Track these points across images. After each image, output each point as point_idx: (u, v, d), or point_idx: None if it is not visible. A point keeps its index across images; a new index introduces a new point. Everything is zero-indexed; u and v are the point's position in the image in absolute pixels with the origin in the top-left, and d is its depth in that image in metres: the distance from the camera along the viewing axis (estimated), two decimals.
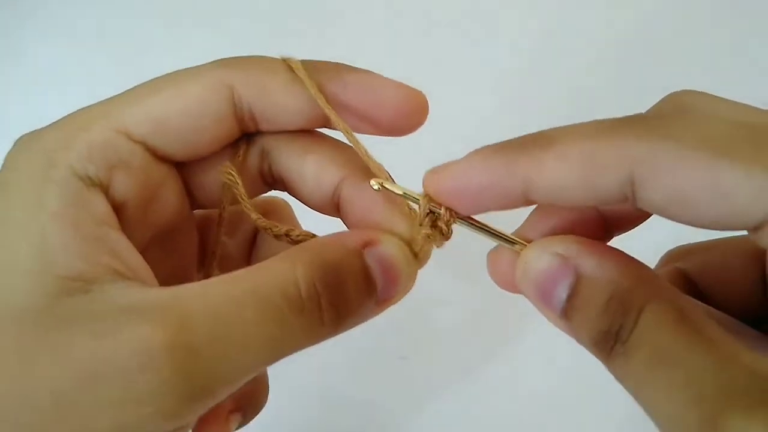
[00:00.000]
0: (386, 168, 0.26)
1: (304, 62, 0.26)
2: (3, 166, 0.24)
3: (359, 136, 0.26)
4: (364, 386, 0.51)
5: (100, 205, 0.24)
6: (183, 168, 0.28)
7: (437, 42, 0.61)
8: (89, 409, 0.20)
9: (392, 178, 0.26)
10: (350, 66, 0.26)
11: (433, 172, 0.24)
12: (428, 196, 0.25)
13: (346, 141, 0.27)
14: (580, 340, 0.23)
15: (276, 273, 0.23)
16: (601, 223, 0.26)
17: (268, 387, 0.33)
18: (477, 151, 0.24)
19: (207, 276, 0.29)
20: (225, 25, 0.64)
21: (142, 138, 0.25)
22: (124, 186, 0.24)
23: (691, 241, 0.30)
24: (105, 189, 0.24)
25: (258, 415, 0.50)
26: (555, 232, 0.25)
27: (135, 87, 0.26)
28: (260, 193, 0.30)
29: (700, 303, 0.27)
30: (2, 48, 0.64)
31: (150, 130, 0.25)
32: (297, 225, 0.32)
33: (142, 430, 0.21)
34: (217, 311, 0.21)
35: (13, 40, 0.64)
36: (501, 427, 0.49)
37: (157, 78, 0.26)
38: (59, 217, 0.22)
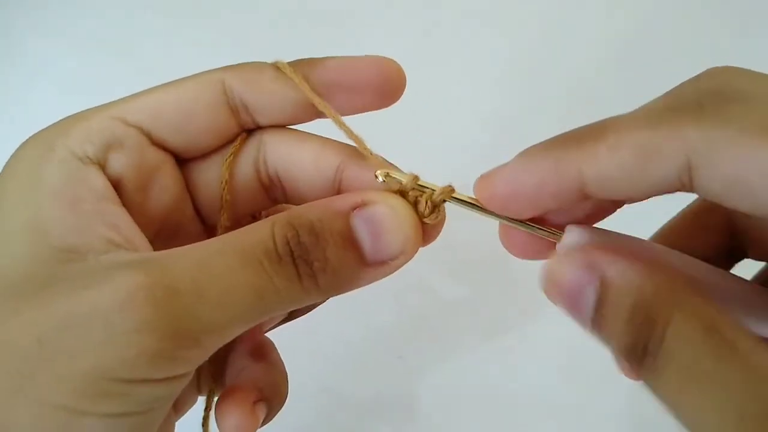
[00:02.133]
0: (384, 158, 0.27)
1: (290, 62, 0.27)
2: (9, 158, 0.25)
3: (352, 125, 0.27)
4: (362, 385, 0.51)
5: (98, 181, 0.25)
6: (186, 167, 0.29)
7: (438, 39, 0.61)
8: (72, 352, 0.20)
9: (388, 162, 0.27)
10: (329, 56, 0.28)
11: (484, 179, 0.24)
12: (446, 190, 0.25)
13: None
14: (610, 349, 0.22)
15: (254, 231, 0.23)
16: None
17: (287, 379, 0.33)
18: (526, 152, 0.23)
19: None
20: (225, 25, 0.64)
21: (137, 123, 0.26)
22: (118, 163, 0.26)
23: None
24: (102, 167, 0.25)
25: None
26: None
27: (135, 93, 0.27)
28: (259, 198, 0.30)
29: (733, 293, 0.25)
30: (2, 48, 0.64)
31: (146, 116, 0.26)
32: None
33: (128, 375, 0.21)
34: (199, 258, 0.22)
35: (13, 39, 0.64)
36: (499, 426, 0.49)
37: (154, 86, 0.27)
38: (56, 193, 0.23)
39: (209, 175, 0.29)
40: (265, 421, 0.30)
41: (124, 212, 0.25)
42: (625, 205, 0.26)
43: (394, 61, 0.27)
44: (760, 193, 0.19)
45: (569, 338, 0.51)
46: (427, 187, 0.26)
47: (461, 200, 0.26)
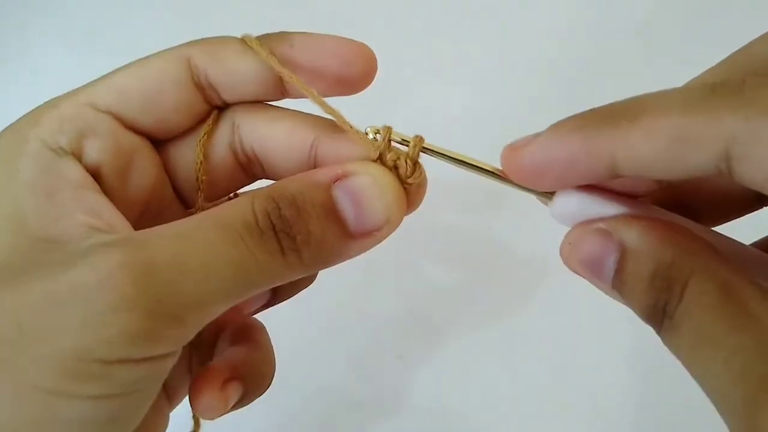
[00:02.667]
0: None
1: (257, 36, 0.27)
2: None
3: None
4: (361, 385, 0.50)
5: (74, 171, 0.24)
6: (162, 149, 0.28)
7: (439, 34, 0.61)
8: (52, 333, 0.20)
9: (353, 126, 0.26)
10: (298, 32, 0.27)
11: (513, 149, 0.24)
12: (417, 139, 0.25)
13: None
14: (633, 310, 0.23)
15: (234, 205, 0.23)
16: None
17: (273, 361, 0.32)
18: (558, 126, 0.23)
19: None
20: (228, 26, 0.63)
21: (107, 107, 0.26)
22: (95, 151, 0.25)
23: None
24: (78, 156, 0.25)
25: (256, 415, 0.50)
26: None
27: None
28: (237, 177, 0.30)
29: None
30: (2, 48, 0.64)
31: (114, 100, 0.26)
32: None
33: (108, 355, 0.20)
34: (178, 233, 0.22)
35: (13, 40, 0.64)
36: (500, 426, 0.48)
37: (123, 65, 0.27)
38: (32, 186, 0.23)
39: (186, 157, 0.28)
40: (241, 403, 0.30)
41: (104, 199, 0.25)
42: None
43: (365, 46, 0.27)
44: None
45: (570, 339, 0.51)
46: (402, 140, 0.26)
47: (437, 152, 0.26)
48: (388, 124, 0.26)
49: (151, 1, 0.66)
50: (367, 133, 0.26)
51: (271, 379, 0.32)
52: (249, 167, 0.29)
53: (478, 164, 0.26)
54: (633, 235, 0.22)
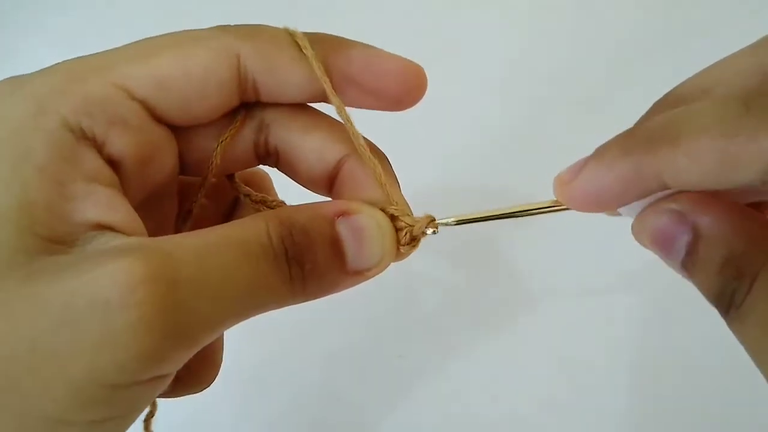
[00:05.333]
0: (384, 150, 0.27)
1: (308, 35, 0.26)
2: None
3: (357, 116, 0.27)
4: (361, 385, 0.50)
5: (91, 161, 0.22)
6: (177, 133, 0.27)
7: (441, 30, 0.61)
8: (65, 354, 0.19)
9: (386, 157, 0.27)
10: (351, 40, 0.26)
11: (563, 182, 0.24)
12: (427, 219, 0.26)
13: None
14: (700, 291, 0.23)
15: (250, 226, 0.23)
16: None
17: (218, 358, 0.31)
18: (602, 153, 0.23)
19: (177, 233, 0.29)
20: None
21: (142, 97, 0.24)
22: (121, 144, 0.23)
23: None
24: (99, 145, 0.23)
25: (256, 415, 0.50)
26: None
27: (135, 43, 0.24)
28: (249, 165, 0.29)
29: None
30: (2, 48, 0.64)
31: (152, 90, 0.24)
32: (275, 195, 0.32)
33: (120, 379, 0.20)
34: (199, 251, 0.21)
35: (13, 40, 0.64)
36: (500, 426, 0.48)
37: (158, 37, 0.25)
38: (44, 172, 0.21)
39: (202, 145, 0.27)
40: (174, 393, 0.28)
41: (120, 196, 0.23)
42: None
43: (420, 66, 0.26)
44: None
45: (571, 340, 0.51)
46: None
47: (446, 224, 0.27)
48: (431, 215, 0.27)
49: (153, 1, 0.66)
50: (425, 233, 0.27)
51: (214, 375, 0.30)
52: (265, 158, 0.29)
53: (519, 209, 0.26)
54: (707, 220, 0.22)
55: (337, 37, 0.26)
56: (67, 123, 0.22)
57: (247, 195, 0.29)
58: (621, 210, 0.25)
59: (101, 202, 0.22)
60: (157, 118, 0.25)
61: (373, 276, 0.26)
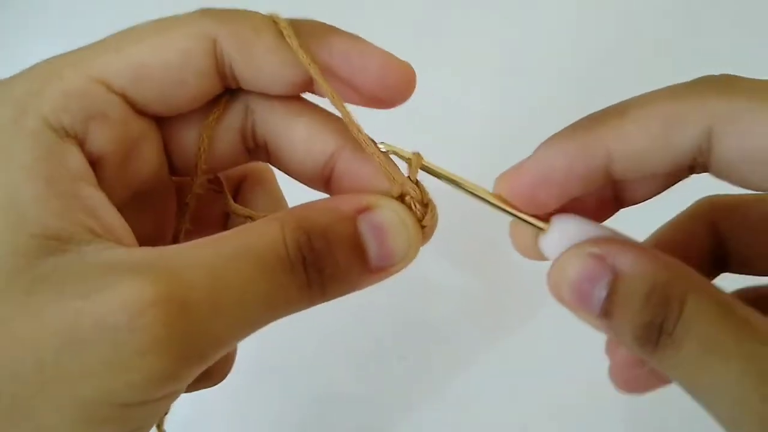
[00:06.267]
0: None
1: (293, 22, 0.24)
2: None
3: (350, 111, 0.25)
4: (363, 386, 0.50)
5: (75, 160, 0.22)
6: (161, 125, 0.26)
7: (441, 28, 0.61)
8: (74, 374, 0.18)
9: (390, 160, 0.25)
10: (337, 29, 0.25)
11: (506, 174, 0.24)
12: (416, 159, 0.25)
13: (333, 110, 0.25)
14: (621, 338, 0.23)
15: (265, 233, 0.22)
16: (609, 199, 0.26)
17: (233, 353, 0.30)
18: (549, 140, 0.24)
19: (176, 234, 0.28)
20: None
21: (121, 89, 0.23)
22: (101, 139, 0.23)
23: None
24: (81, 142, 0.22)
25: (256, 415, 0.50)
26: (565, 208, 0.25)
27: (114, 34, 0.24)
28: (240, 161, 0.28)
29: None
30: (2, 48, 0.64)
31: (130, 80, 0.23)
32: (279, 192, 0.31)
33: (131, 399, 0.19)
34: (212, 266, 0.20)
35: (13, 40, 0.64)
36: (501, 427, 0.48)
37: (138, 25, 0.24)
38: (31, 172, 0.21)
39: (188, 136, 0.26)
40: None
41: (101, 195, 0.22)
42: (622, 210, 0.27)
43: (408, 64, 0.25)
44: None
45: (572, 342, 0.51)
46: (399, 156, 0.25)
47: (438, 173, 0.25)
48: (417, 151, 0.25)
49: (153, 2, 0.66)
50: (380, 148, 0.25)
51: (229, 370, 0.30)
52: (255, 152, 0.28)
53: (474, 190, 0.25)
54: (628, 259, 0.22)
55: (322, 24, 0.25)
56: (48, 122, 0.21)
57: (233, 211, 0.28)
58: (553, 229, 0.25)
59: (86, 203, 0.22)
60: (138, 110, 0.24)
61: (400, 270, 0.24)
